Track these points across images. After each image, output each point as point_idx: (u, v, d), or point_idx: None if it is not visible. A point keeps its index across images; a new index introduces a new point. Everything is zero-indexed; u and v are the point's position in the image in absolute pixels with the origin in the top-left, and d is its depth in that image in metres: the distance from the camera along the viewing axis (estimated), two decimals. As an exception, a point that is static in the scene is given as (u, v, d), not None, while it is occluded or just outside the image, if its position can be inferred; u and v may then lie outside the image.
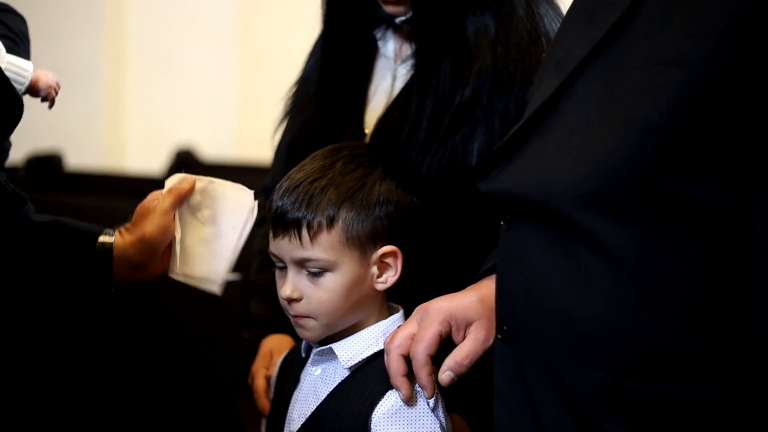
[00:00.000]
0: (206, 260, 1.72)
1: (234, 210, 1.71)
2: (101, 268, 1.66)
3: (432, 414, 1.51)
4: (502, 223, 1.35)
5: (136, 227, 1.67)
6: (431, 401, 1.51)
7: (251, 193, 1.71)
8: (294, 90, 2.04)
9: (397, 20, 1.88)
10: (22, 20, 2.02)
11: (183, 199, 1.70)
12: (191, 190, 1.70)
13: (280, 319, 1.88)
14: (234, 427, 2.68)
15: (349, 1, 1.92)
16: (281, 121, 2.04)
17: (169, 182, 1.70)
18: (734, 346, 1.16)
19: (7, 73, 1.72)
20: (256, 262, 2.10)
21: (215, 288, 1.73)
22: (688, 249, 1.19)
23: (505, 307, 1.34)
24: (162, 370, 2.53)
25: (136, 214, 1.69)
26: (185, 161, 5.95)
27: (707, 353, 1.19)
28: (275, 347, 1.93)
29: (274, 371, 1.77)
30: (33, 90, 1.87)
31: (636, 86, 1.19)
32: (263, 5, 6.66)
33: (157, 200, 1.69)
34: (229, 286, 2.69)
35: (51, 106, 1.88)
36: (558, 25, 1.85)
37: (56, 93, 1.89)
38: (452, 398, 1.58)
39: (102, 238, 1.67)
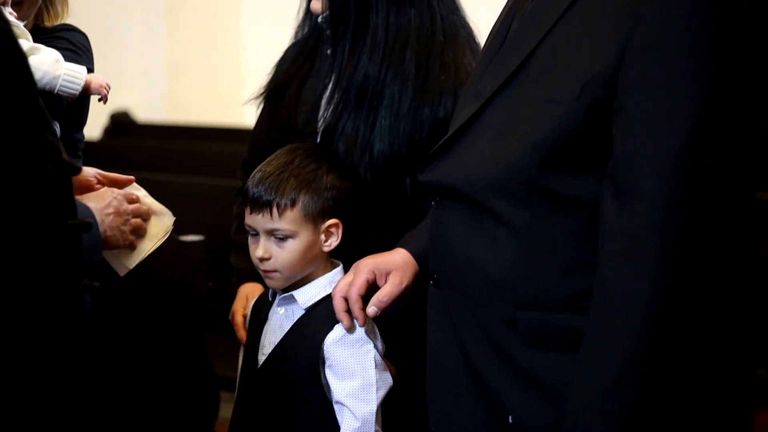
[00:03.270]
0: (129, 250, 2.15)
1: (157, 226, 2.19)
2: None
3: (367, 337, 2.04)
4: (433, 203, 1.84)
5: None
6: (366, 329, 2.04)
7: (172, 219, 2.21)
8: (286, 53, 2.50)
9: (319, 19, 2.35)
10: (83, 36, 2.45)
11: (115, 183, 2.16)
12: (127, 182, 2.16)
13: (253, 270, 2.35)
14: (204, 362, 3.14)
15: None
16: (258, 97, 2.50)
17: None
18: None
19: (65, 77, 2.22)
20: (235, 224, 2.53)
21: (121, 272, 2.14)
22: (564, 223, 1.66)
23: (435, 261, 1.83)
24: (139, 317, 2.94)
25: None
26: (122, 122, 6.25)
27: (575, 293, 1.66)
28: (250, 292, 2.39)
29: (249, 311, 2.27)
30: (87, 90, 2.33)
31: (528, 114, 1.66)
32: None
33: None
34: (194, 245, 3.14)
35: (105, 102, 2.36)
36: (456, 16, 2.34)
37: (107, 91, 2.36)
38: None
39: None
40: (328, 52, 2.34)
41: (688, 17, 1.55)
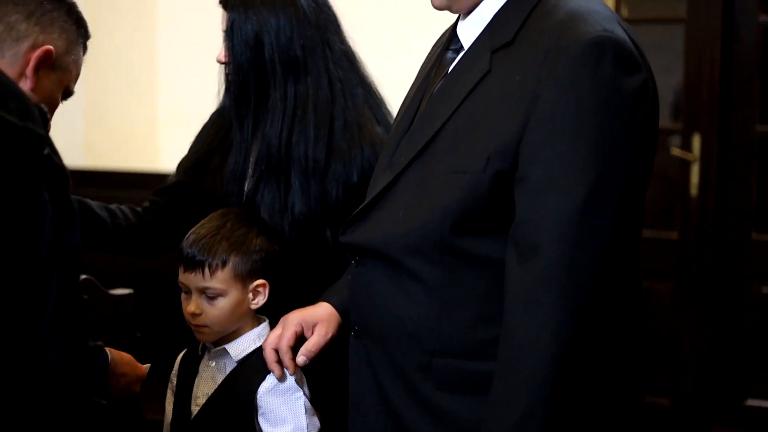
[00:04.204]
0: None
1: None
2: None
3: (297, 386, 2.20)
4: (352, 262, 2.00)
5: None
6: (296, 378, 2.19)
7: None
8: (211, 119, 2.68)
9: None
10: None
11: None
12: None
13: None
14: (134, 407, 3.24)
15: None
16: (195, 138, 2.68)
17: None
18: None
19: None
20: None
21: None
22: (473, 279, 1.84)
23: (356, 314, 2.00)
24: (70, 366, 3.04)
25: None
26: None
27: (484, 341, 1.83)
28: None
29: (175, 366, 2.40)
30: None
31: (438, 184, 1.84)
32: (105, 20, 6.98)
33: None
34: (123, 298, 3.25)
35: None
36: (353, 75, 2.51)
37: None
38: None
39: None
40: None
41: (577, 98, 1.74)
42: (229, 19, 2.46)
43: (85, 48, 2.08)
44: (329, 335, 2.16)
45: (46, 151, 1.59)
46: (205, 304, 2.23)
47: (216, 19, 2.53)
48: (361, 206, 2.00)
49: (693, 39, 4.87)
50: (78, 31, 2.04)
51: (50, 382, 1.58)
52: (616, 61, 1.76)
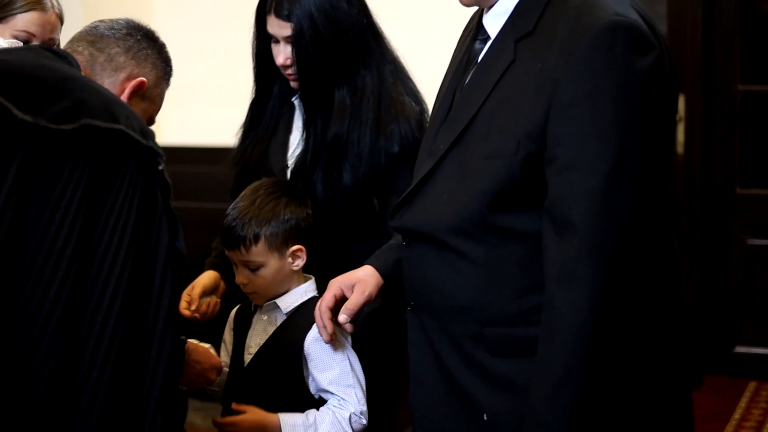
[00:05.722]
0: None
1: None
2: None
3: (340, 335, 2.40)
4: (403, 243, 2.16)
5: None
6: (338, 330, 2.37)
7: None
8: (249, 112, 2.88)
9: (294, 99, 2.77)
10: None
11: None
12: None
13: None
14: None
15: (273, 77, 2.77)
16: (234, 160, 2.87)
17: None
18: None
19: None
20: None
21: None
22: (513, 253, 1.98)
23: (410, 291, 2.16)
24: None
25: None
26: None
27: (528, 309, 1.97)
28: (199, 282, 2.78)
29: (231, 319, 2.63)
30: None
31: (476, 168, 1.98)
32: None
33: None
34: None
35: None
36: (402, 79, 2.74)
37: None
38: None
39: None
40: (302, 124, 2.73)
41: (594, 81, 1.88)
42: (295, 26, 2.62)
43: (167, 85, 2.33)
44: (367, 293, 2.32)
45: (161, 167, 1.82)
46: (250, 274, 2.47)
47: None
48: (407, 191, 2.14)
49: (675, 3, 5.03)
50: (165, 69, 2.31)
51: (165, 372, 1.78)
52: (628, 44, 1.88)
